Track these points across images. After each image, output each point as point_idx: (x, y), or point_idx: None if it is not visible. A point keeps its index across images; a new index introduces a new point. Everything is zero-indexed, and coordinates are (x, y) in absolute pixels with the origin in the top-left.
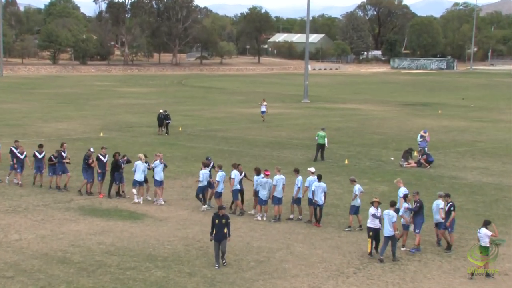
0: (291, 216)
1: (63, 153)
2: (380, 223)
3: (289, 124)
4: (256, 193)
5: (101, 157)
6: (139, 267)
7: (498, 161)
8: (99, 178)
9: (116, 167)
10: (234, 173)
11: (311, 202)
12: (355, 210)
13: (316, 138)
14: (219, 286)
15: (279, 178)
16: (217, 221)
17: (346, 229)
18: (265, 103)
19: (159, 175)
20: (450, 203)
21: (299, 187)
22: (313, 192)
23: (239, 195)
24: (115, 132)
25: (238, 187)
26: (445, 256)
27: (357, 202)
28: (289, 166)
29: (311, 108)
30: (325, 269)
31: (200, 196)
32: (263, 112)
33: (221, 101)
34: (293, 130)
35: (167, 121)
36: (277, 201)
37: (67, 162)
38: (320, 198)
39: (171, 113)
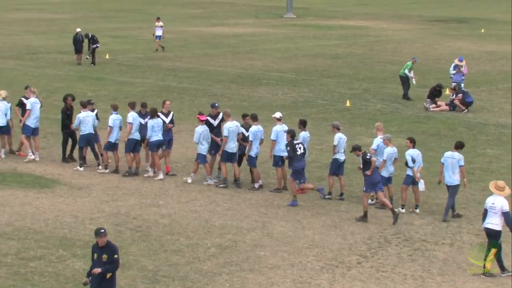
0: (256, 185)
1: None
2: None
3: (266, 49)
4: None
5: (24, 100)
6: (49, 257)
7: None
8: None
9: (68, 118)
10: (132, 116)
11: (280, 160)
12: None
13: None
14: (165, 282)
15: (232, 126)
16: (95, 255)
17: (334, 197)
18: (160, 24)
19: (30, 120)
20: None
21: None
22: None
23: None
24: (12, 61)
25: (135, 136)
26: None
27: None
28: (265, 111)
29: (298, 26)
30: (317, 258)
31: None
32: (158, 37)
33: (167, 15)
34: (272, 59)
35: (94, 46)
36: (227, 157)
37: None
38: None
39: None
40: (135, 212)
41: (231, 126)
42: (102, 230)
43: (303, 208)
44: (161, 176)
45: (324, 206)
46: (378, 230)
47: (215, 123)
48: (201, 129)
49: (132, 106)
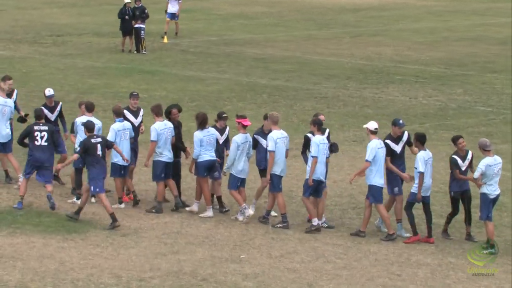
0: (315, 222)
1: None
2: None
3: (401, 30)
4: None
5: (128, 113)
6: None
7: None
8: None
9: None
10: (156, 129)
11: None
12: None
13: None
14: None
15: (280, 137)
16: None
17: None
18: None
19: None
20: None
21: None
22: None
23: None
24: (27, 46)
25: (164, 157)
26: None
27: None
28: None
29: None
30: None
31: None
32: (171, 15)
33: None
34: (409, 44)
35: (138, 27)
36: (274, 188)
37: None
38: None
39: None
40: (205, 270)
41: (280, 137)
42: None
43: (454, 266)
44: (210, 213)
45: (487, 264)
46: None
47: (398, 149)
48: (240, 139)
49: (157, 112)
